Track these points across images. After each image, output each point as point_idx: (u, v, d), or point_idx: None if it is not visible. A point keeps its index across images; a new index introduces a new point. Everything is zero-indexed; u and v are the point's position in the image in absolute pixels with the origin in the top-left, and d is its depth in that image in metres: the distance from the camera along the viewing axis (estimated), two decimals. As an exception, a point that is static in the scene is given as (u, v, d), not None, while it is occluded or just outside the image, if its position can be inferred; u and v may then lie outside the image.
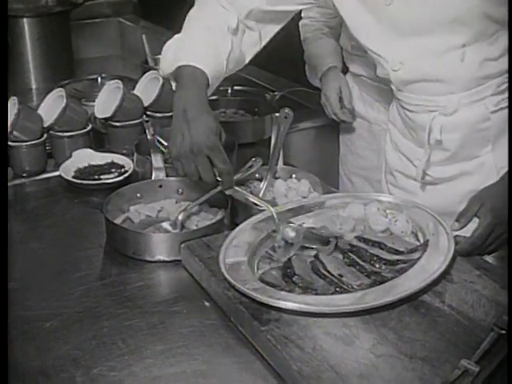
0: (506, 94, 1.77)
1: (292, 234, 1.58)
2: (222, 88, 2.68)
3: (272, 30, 1.87)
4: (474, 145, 1.83)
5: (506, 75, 1.76)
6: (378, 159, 2.24)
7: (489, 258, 1.60)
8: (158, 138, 1.81)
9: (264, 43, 1.87)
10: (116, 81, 2.18)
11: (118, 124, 2.14)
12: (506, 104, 1.78)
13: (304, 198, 1.80)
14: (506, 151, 1.72)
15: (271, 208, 1.60)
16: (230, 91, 2.66)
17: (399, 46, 1.77)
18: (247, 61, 1.86)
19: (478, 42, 1.72)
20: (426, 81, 1.79)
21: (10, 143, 1.97)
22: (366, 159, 2.38)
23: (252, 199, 1.65)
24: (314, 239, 1.57)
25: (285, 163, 1.95)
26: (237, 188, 1.64)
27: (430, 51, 1.75)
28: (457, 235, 1.54)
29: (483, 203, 1.55)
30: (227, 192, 1.63)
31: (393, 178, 2.00)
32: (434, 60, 1.75)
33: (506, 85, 1.76)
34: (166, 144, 1.80)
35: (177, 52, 1.73)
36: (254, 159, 1.84)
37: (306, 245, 1.56)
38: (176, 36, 1.77)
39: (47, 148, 2.08)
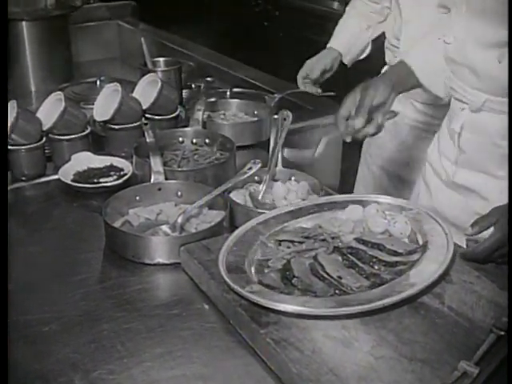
0: None
1: None
2: (221, 90, 2.69)
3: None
4: (491, 158, 1.80)
5: None
6: (399, 153, 2.26)
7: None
8: None
9: None
10: (115, 84, 2.17)
11: (116, 127, 2.14)
12: None
13: (303, 200, 1.80)
14: None
15: None
16: (229, 93, 2.66)
17: (457, 21, 1.76)
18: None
19: None
20: (465, 67, 1.76)
21: (9, 147, 1.97)
22: (387, 151, 2.41)
23: None
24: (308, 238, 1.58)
25: (284, 165, 1.95)
26: None
27: (479, 38, 1.72)
28: (469, 240, 1.53)
29: (500, 217, 1.52)
30: None
31: (425, 172, 2.00)
32: (476, 49, 1.73)
33: None
34: None
35: None
36: (253, 161, 1.84)
37: (298, 245, 1.56)
38: None
39: (46, 151, 2.07)
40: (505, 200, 1.66)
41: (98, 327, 1.41)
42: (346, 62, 2.53)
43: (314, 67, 2.50)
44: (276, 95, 2.53)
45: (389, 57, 2.42)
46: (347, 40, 2.52)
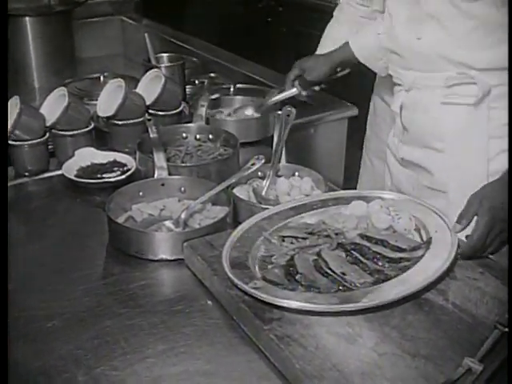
0: (456, 91, 1.88)
1: None
2: (224, 86, 2.69)
3: None
4: (429, 132, 1.94)
5: (460, 71, 1.86)
6: None
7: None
8: None
9: None
10: (118, 79, 2.17)
11: (120, 123, 2.13)
12: (457, 101, 1.88)
13: (307, 195, 1.80)
14: (456, 157, 1.89)
15: None
16: (232, 89, 2.66)
17: (393, 7, 1.95)
18: None
19: (435, 20, 1.83)
20: (395, 51, 1.95)
21: (12, 142, 1.97)
22: (385, 142, 2.43)
23: None
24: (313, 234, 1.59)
25: (287, 161, 1.94)
26: None
27: (398, 23, 1.92)
28: (460, 240, 1.53)
29: (481, 202, 1.54)
30: None
31: (387, 155, 2.16)
32: (398, 33, 1.92)
33: (457, 81, 1.87)
34: None
35: None
36: (256, 157, 1.83)
37: (302, 241, 1.56)
38: None
39: (49, 147, 2.07)
40: (445, 172, 1.92)
41: (100, 323, 1.41)
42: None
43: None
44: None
45: None
46: (336, 46, 2.48)
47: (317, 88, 2.35)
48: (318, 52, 2.48)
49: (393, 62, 2.00)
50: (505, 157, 1.86)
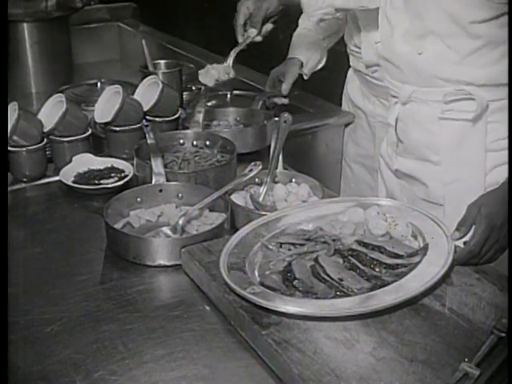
0: (454, 106, 1.86)
1: None
2: (221, 92, 2.69)
3: None
4: (424, 145, 1.93)
5: (458, 87, 1.84)
6: (374, 149, 2.37)
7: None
8: None
9: None
10: (116, 85, 2.17)
11: (117, 129, 2.14)
12: (456, 117, 1.87)
13: (304, 202, 1.81)
14: (453, 170, 1.89)
15: None
16: (229, 95, 2.67)
17: (393, 18, 1.91)
18: None
19: (438, 37, 1.81)
20: (392, 62, 1.93)
21: (10, 148, 1.97)
22: (364, 148, 2.49)
23: None
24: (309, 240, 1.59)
25: (284, 167, 1.95)
26: None
27: (397, 35, 1.89)
28: (457, 246, 1.54)
29: (479, 210, 1.54)
30: None
31: (380, 165, 2.14)
32: (397, 45, 1.89)
33: (455, 97, 1.85)
34: None
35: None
36: (253, 163, 1.84)
37: (299, 247, 1.57)
38: None
39: (47, 153, 2.08)
40: (441, 185, 1.91)
41: (99, 328, 1.41)
42: (305, 71, 2.52)
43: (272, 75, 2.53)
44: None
45: (353, 61, 2.46)
46: (306, 50, 2.52)
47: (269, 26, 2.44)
48: (290, 55, 2.54)
49: (389, 72, 1.97)
50: (501, 170, 1.85)
